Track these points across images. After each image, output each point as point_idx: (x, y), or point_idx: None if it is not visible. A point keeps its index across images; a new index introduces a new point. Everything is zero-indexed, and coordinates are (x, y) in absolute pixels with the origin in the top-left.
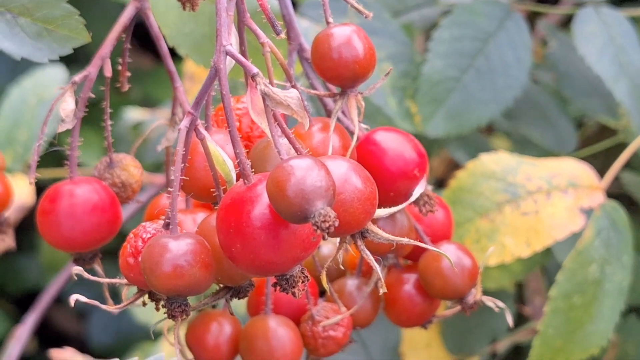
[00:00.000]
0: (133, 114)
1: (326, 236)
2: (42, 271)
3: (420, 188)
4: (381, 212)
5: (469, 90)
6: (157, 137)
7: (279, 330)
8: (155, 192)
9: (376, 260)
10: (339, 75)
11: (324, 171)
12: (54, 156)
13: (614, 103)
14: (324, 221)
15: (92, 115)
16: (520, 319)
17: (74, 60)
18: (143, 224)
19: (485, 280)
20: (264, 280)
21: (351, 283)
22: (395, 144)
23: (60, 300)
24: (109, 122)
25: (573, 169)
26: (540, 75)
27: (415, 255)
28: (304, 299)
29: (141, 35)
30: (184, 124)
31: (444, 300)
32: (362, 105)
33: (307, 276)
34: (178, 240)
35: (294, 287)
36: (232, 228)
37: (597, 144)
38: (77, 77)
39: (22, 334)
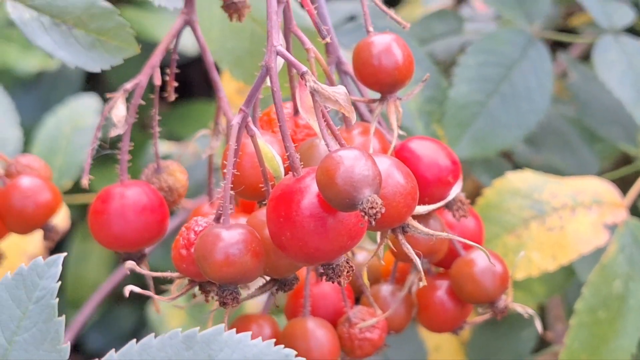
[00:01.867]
0: (160, 147)
1: (373, 222)
2: (66, 309)
3: (455, 191)
4: (420, 209)
5: (493, 115)
6: (187, 166)
7: (317, 332)
8: (187, 215)
9: (410, 265)
10: (379, 80)
11: (370, 161)
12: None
13: (634, 131)
14: (372, 207)
15: (114, 154)
16: (543, 344)
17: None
18: (194, 218)
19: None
20: (301, 285)
21: (385, 289)
22: (429, 152)
23: (77, 347)
24: (157, 129)
25: (597, 187)
26: (559, 108)
27: (446, 262)
28: (340, 303)
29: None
30: (236, 120)
31: (475, 306)
32: (400, 111)
33: (352, 266)
34: (230, 230)
35: (339, 276)
36: (282, 217)
37: (617, 170)
38: (129, 85)
39: None
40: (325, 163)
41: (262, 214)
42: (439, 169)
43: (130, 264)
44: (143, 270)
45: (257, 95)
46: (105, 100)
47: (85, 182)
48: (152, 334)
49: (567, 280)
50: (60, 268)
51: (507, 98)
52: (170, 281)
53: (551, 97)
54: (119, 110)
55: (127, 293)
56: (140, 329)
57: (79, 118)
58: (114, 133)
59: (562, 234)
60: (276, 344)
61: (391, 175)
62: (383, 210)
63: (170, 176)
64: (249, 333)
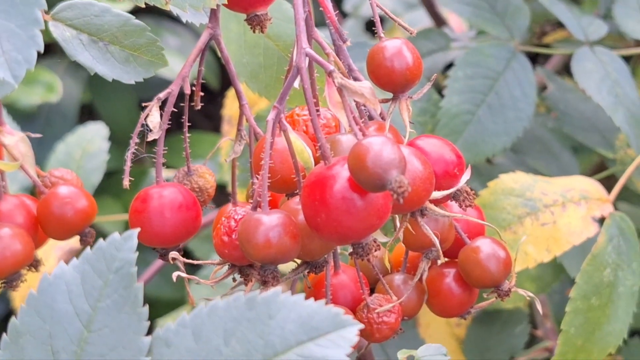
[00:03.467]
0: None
1: (401, 200)
2: None
3: (463, 180)
4: (436, 194)
5: (483, 123)
6: None
7: None
8: None
9: (420, 255)
10: (392, 80)
11: (396, 146)
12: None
13: (611, 136)
14: (400, 187)
15: (110, 185)
16: (533, 341)
17: None
18: (233, 208)
19: (501, 301)
20: (322, 276)
21: (398, 278)
22: (436, 148)
23: None
24: (187, 135)
25: (584, 184)
26: (538, 119)
27: (452, 252)
28: (357, 293)
29: None
30: (271, 116)
31: (481, 291)
32: (409, 109)
33: (379, 245)
34: (270, 215)
35: (368, 254)
36: (317, 201)
37: (597, 175)
38: (162, 94)
39: None
40: (356, 149)
41: (293, 202)
42: (446, 162)
43: (174, 253)
44: (184, 259)
45: (287, 94)
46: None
47: (126, 183)
48: (219, 297)
49: (555, 279)
50: (136, 241)
51: (494, 107)
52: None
53: (535, 106)
54: (154, 117)
55: (175, 278)
56: None
57: (87, 144)
58: (150, 137)
59: (555, 228)
60: None
61: (410, 162)
62: (410, 189)
63: (201, 178)
64: (303, 295)
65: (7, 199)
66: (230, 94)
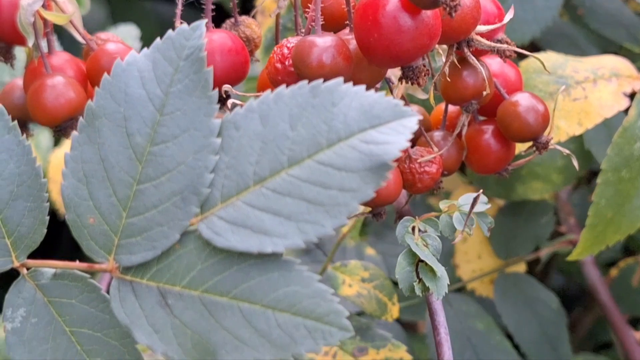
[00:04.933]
0: None
1: (453, 14)
2: None
3: (507, 19)
4: (482, 28)
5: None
6: None
7: None
8: None
9: (459, 111)
10: None
11: None
12: None
13: (637, 32)
14: (452, 0)
15: None
16: (556, 236)
17: None
18: (285, 39)
19: (529, 192)
20: None
21: (438, 134)
22: None
23: None
24: None
25: (614, 62)
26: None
27: (491, 110)
28: None
29: None
30: None
31: (519, 144)
32: None
33: (428, 70)
34: (323, 37)
35: (418, 77)
36: (370, 21)
37: None
38: None
39: None
40: None
41: (343, 33)
42: (487, 13)
43: (227, 86)
44: (237, 92)
45: None
46: None
47: (177, 24)
48: (283, 86)
49: (580, 170)
50: (204, 30)
51: None
52: None
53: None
54: None
55: (230, 105)
56: None
57: None
58: None
59: (587, 102)
60: None
61: None
62: (461, 3)
63: (248, 28)
64: (364, 86)
65: (58, 54)
66: None
